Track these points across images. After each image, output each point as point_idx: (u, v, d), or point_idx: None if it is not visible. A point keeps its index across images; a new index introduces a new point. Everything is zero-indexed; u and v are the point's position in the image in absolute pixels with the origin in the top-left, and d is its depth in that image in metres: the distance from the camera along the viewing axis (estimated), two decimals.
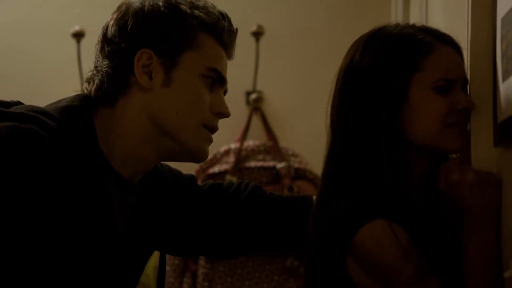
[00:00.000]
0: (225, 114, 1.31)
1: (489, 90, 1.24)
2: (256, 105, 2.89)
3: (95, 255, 1.21)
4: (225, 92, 1.34)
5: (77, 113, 1.22)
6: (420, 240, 1.19)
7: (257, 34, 2.85)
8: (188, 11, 1.27)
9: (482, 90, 1.26)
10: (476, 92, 1.26)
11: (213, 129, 1.30)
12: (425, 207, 1.24)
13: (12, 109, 1.20)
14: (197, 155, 1.30)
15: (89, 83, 1.29)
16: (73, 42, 2.87)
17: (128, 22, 1.26)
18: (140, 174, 1.30)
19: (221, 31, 1.30)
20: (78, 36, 2.86)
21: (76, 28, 2.87)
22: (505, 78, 1.16)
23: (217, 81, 1.30)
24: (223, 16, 1.31)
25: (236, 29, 1.34)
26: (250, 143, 2.79)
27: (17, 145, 1.11)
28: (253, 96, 2.89)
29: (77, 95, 1.28)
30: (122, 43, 1.26)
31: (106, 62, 1.27)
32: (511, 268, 1.14)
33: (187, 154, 1.30)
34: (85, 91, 1.30)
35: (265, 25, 2.88)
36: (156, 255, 1.43)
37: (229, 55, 1.33)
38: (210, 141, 1.30)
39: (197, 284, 2.64)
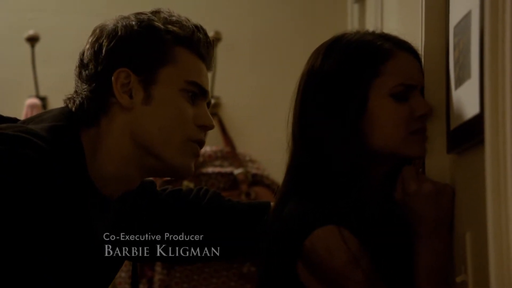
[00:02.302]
0: (208, 127, 1.31)
1: (442, 98, 1.26)
2: (213, 111, 2.89)
3: (76, 265, 1.24)
4: (208, 104, 1.34)
5: (65, 133, 1.22)
6: (374, 247, 1.20)
7: (215, 40, 2.85)
8: (162, 27, 1.28)
9: (436, 98, 1.27)
10: (430, 99, 1.28)
11: (200, 143, 1.30)
12: (382, 213, 1.24)
13: (3, 128, 1.19)
14: (182, 172, 1.30)
15: (69, 101, 1.29)
16: (27, 46, 2.83)
17: (103, 45, 1.27)
18: (122, 191, 1.31)
19: (197, 43, 1.30)
20: (32, 40, 2.82)
21: (30, 32, 2.83)
22: (457, 85, 1.18)
23: (199, 94, 1.30)
24: (198, 29, 1.31)
25: (213, 40, 1.35)
26: (207, 149, 2.78)
27: (16, 169, 1.14)
28: (211, 101, 2.89)
29: (61, 112, 1.28)
30: (99, 66, 1.26)
31: (85, 86, 1.27)
32: (463, 272, 1.15)
33: (171, 171, 1.30)
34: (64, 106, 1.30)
35: (222, 31, 2.88)
36: None
37: (208, 67, 1.34)
38: (197, 155, 1.30)
39: None
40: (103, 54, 1.26)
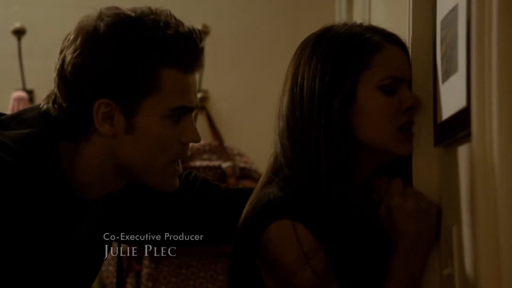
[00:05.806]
0: (195, 141, 1.28)
1: (429, 91, 1.27)
2: (201, 105, 2.89)
3: (57, 264, 1.24)
4: (196, 107, 1.29)
5: (42, 142, 1.20)
6: (340, 247, 1.18)
7: (202, 34, 2.84)
8: (144, 51, 1.20)
9: (423, 91, 1.28)
10: (417, 92, 1.28)
11: (185, 159, 1.29)
12: (361, 213, 1.22)
13: None
14: (164, 190, 1.30)
15: (48, 102, 1.25)
16: (13, 39, 2.81)
17: (85, 63, 1.20)
18: (105, 193, 1.30)
19: (181, 57, 1.23)
20: (19, 33, 2.80)
21: (17, 25, 2.81)
22: (445, 79, 1.18)
23: (184, 112, 1.25)
24: (184, 38, 1.25)
25: (200, 46, 1.29)
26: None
27: None
28: (198, 95, 2.88)
29: (40, 116, 1.24)
30: (80, 90, 1.21)
31: (66, 104, 1.22)
32: (450, 265, 1.16)
33: (154, 188, 1.29)
34: (44, 106, 1.25)
35: (210, 24, 2.88)
36: None
37: (199, 70, 1.29)
38: (179, 173, 1.29)
39: (141, 284, 2.62)
40: (86, 78, 1.20)
